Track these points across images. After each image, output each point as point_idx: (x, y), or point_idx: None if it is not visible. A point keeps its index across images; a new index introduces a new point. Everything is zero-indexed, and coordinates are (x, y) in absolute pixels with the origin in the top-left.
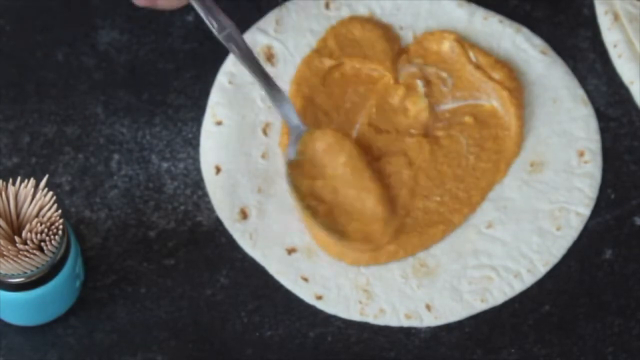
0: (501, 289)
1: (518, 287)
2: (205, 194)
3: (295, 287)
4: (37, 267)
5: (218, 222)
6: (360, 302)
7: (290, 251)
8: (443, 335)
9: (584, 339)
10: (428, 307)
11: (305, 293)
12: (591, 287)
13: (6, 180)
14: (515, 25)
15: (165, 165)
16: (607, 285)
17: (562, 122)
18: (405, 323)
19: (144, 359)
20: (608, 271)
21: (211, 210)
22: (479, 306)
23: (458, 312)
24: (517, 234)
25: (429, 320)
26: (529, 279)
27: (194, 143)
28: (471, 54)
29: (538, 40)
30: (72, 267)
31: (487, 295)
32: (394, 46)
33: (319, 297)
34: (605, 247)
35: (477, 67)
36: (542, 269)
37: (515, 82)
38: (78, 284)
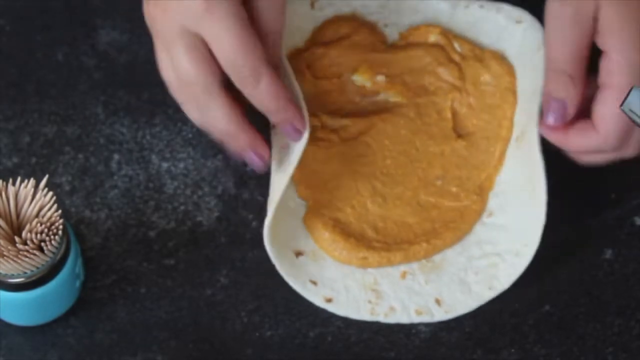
0: (506, 272)
1: (520, 264)
2: (205, 194)
3: (304, 291)
4: (37, 267)
5: (218, 222)
6: (370, 302)
7: (297, 254)
8: (443, 335)
9: (584, 339)
10: (438, 302)
11: (314, 296)
12: (591, 287)
13: (6, 180)
14: (495, 5)
15: (165, 165)
16: (607, 285)
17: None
18: (417, 319)
19: (144, 359)
20: (608, 271)
21: (211, 210)
22: (487, 295)
23: (468, 303)
24: (516, 214)
25: (439, 315)
26: (528, 252)
27: (194, 143)
28: (457, 45)
29: (516, 12)
30: (72, 267)
31: (494, 283)
32: (380, 43)
33: (329, 300)
34: (605, 247)
35: (463, 57)
36: (537, 240)
37: (504, 67)
38: (78, 284)
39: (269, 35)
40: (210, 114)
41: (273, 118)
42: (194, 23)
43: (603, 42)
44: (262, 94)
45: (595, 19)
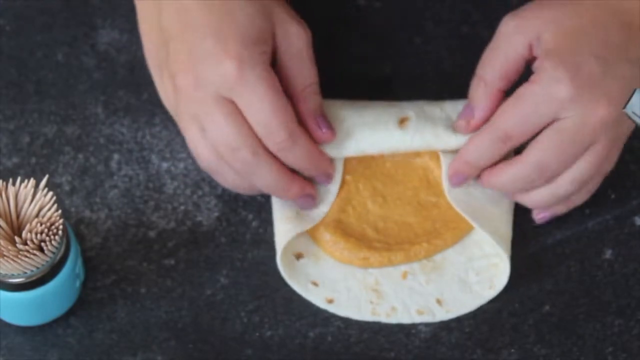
0: (505, 271)
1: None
2: (205, 194)
3: (305, 292)
4: (37, 267)
5: (218, 222)
6: (372, 302)
7: (298, 256)
8: (443, 335)
9: (584, 339)
10: (439, 302)
11: (316, 297)
12: (591, 287)
13: (6, 180)
14: None
15: (165, 165)
16: (607, 285)
17: None
18: (418, 319)
19: (144, 359)
20: (608, 271)
21: (211, 210)
22: (488, 294)
23: (469, 303)
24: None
25: (441, 315)
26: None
27: None
28: None
29: None
30: (72, 267)
31: (495, 282)
32: None
33: (330, 301)
34: (605, 247)
35: None
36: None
37: None
38: (78, 284)
39: (306, 89)
40: (258, 175)
41: (307, 173)
42: (228, 90)
43: (536, 66)
44: (296, 155)
45: (537, 39)
